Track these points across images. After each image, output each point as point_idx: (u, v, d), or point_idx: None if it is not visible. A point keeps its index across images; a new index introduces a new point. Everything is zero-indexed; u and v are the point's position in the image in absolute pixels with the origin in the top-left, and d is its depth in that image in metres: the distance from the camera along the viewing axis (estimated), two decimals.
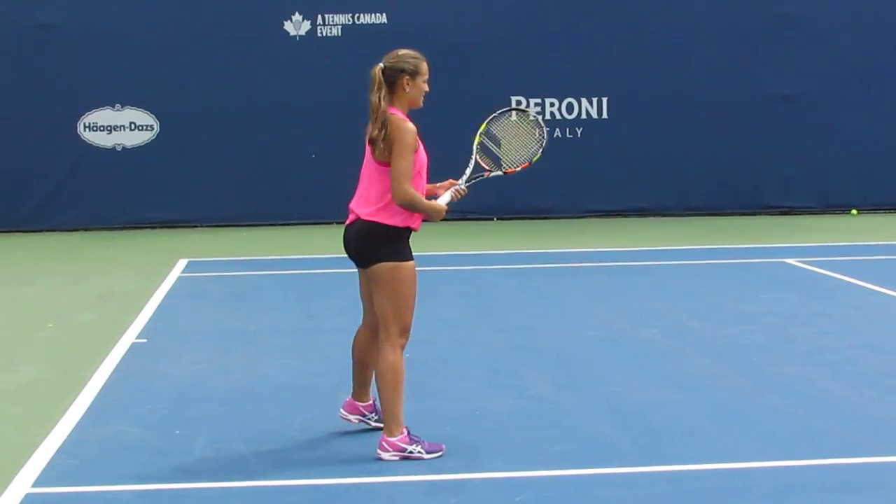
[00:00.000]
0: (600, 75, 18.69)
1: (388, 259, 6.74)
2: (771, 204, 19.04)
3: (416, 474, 6.59)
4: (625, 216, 18.77)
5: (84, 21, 18.11)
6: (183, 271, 14.03)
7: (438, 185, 7.11)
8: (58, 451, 7.09)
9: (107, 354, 9.61)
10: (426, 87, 6.87)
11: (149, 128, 18.36)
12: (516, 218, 18.55)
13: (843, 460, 6.77)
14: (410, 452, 6.77)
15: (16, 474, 6.63)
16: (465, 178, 7.15)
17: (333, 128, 18.29)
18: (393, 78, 6.76)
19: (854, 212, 19.08)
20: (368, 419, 7.33)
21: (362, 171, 6.94)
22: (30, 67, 18.10)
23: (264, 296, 12.45)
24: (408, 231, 6.84)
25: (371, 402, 7.35)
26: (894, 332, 10.23)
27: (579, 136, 18.73)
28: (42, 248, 16.68)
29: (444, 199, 7.02)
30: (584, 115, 18.79)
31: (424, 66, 6.85)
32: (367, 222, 6.77)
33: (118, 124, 18.32)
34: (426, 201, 6.82)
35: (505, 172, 7.37)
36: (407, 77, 6.77)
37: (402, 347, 6.83)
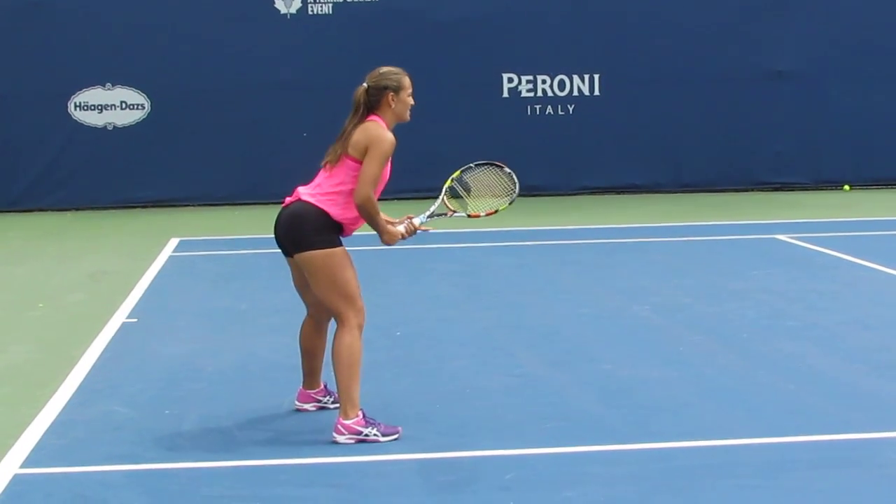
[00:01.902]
0: (592, 52, 18.65)
1: (319, 247, 6.75)
2: (763, 180, 19.03)
3: (405, 453, 6.58)
4: (617, 193, 18.75)
5: (75, 0, 18.03)
6: (174, 250, 14.01)
7: (396, 220, 7.10)
8: (46, 431, 7.08)
9: (97, 334, 9.60)
10: (411, 101, 6.95)
11: (140, 107, 18.30)
12: None
13: (832, 436, 6.78)
14: (366, 435, 6.76)
15: (4, 455, 6.62)
16: (424, 215, 7.15)
17: (325, 106, 18.18)
18: (378, 96, 6.85)
19: (847, 187, 19.08)
20: (325, 403, 7.39)
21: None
22: (20, 46, 18.03)
23: (255, 275, 12.42)
24: (339, 228, 6.85)
25: (322, 386, 7.40)
26: (885, 307, 10.23)
27: (571, 113, 18.69)
28: (33, 228, 16.64)
29: (398, 228, 7.04)
30: (576, 92, 18.75)
31: (407, 81, 6.93)
32: (306, 204, 6.80)
33: (109, 103, 18.26)
34: (380, 214, 6.85)
35: (468, 215, 7.33)
36: (391, 93, 6.86)
37: (360, 328, 6.85)
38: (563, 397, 7.62)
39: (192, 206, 18.32)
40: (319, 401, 7.40)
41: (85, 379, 8.28)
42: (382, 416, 6.98)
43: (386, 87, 6.85)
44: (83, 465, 6.53)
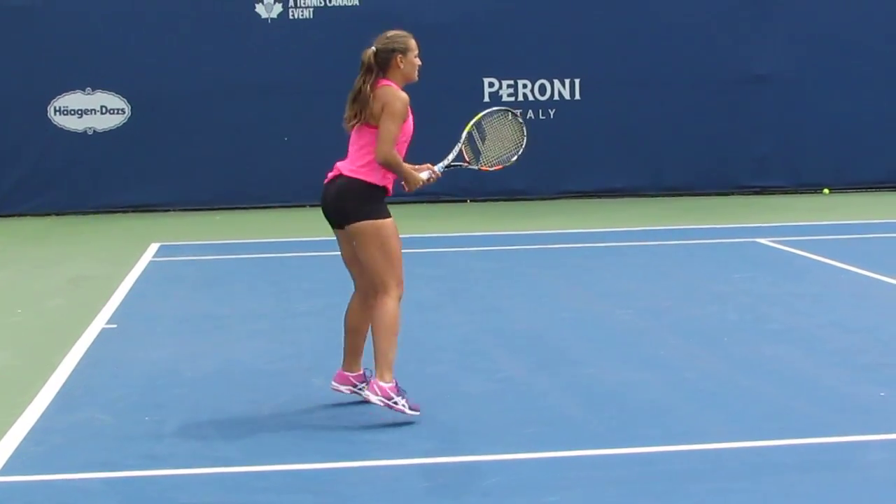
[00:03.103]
0: (572, 56, 18.65)
1: (370, 217, 7.12)
2: (744, 184, 19.06)
3: (386, 459, 6.57)
4: (599, 197, 18.75)
5: (55, 4, 17.97)
6: (155, 255, 13.95)
7: (416, 166, 7.41)
8: (25, 438, 7.03)
9: (76, 340, 9.54)
10: (418, 62, 7.28)
11: (120, 111, 18.24)
12: (490, 200, 18.51)
13: (813, 440, 6.78)
14: (395, 402, 7.07)
15: None
16: (444, 163, 7.56)
17: (306, 110, 18.22)
18: (386, 57, 7.20)
19: (826, 191, 19.12)
20: (359, 390, 7.46)
21: (351, 135, 7.36)
22: (0, 50, 17.97)
23: (237, 280, 12.39)
24: (383, 191, 7.23)
25: (361, 372, 7.52)
26: (865, 310, 10.25)
27: (552, 117, 18.69)
28: (13, 234, 16.56)
29: (421, 175, 7.40)
30: (556, 97, 18.75)
31: (413, 43, 7.29)
32: (348, 178, 7.20)
33: (89, 108, 18.19)
34: (405, 165, 7.23)
35: (480, 168, 7.77)
36: (399, 55, 7.21)
37: (399, 298, 7.22)
38: (544, 402, 7.61)
39: (173, 210, 18.27)
40: (355, 385, 7.50)
41: (64, 385, 8.23)
42: (362, 421, 7.03)
43: (393, 50, 7.21)
44: (62, 472, 6.49)
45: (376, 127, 7.15)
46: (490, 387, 7.97)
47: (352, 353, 7.51)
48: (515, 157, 7.88)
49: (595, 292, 11.27)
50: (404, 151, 7.30)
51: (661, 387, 7.91)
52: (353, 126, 7.29)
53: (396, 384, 7.13)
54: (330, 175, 7.34)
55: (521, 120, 7.96)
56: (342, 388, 7.50)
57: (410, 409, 7.10)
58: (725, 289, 11.26)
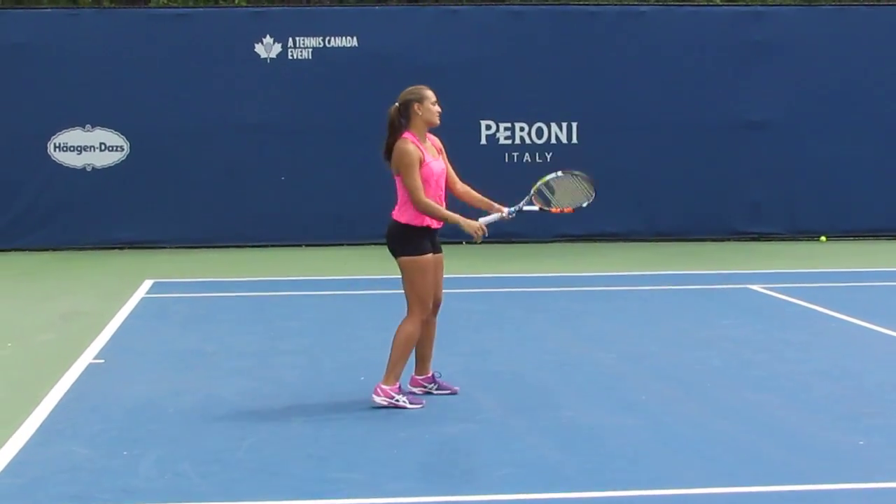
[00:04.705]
0: (570, 100, 18.76)
1: (407, 253, 8.33)
2: (739, 230, 19.12)
3: (357, 497, 6.58)
4: (593, 241, 18.81)
5: (55, 42, 18.14)
6: (148, 292, 14.02)
7: (496, 204, 8.69)
8: (3, 470, 7.08)
9: (62, 374, 9.59)
10: (437, 108, 8.44)
11: (119, 148, 18.35)
12: (484, 242, 18.34)
13: (786, 487, 6.78)
14: (397, 401, 8.32)
15: None
16: (515, 208, 8.68)
17: (303, 150, 18.36)
18: (407, 108, 8.36)
19: (823, 238, 19.16)
20: (429, 389, 8.75)
21: None
22: (0, 87, 18.09)
23: (226, 317, 12.43)
24: (424, 230, 8.35)
25: (430, 374, 8.78)
26: (852, 359, 10.25)
27: (549, 160, 18.74)
28: (9, 268, 16.64)
29: (484, 219, 8.52)
30: (553, 140, 18.85)
31: (428, 92, 8.43)
32: (394, 221, 8.40)
33: (88, 145, 18.31)
34: (443, 210, 8.32)
35: (552, 210, 8.87)
36: (416, 103, 8.35)
37: (420, 320, 8.39)
38: (520, 444, 7.62)
39: (169, 247, 18.35)
40: (425, 386, 8.76)
41: (46, 419, 8.27)
42: (338, 459, 7.04)
43: (410, 100, 8.35)
44: None
45: (397, 176, 8.31)
46: (466, 427, 7.99)
47: (420, 360, 8.74)
48: (587, 203, 8.91)
49: (580, 335, 11.30)
50: (433, 192, 8.32)
51: (638, 430, 7.92)
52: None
53: (399, 387, 8.35)
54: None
55: (588, 177, 8.94)
56: (414, 389, 8.70)
57: (411, 403, 8.33)
58: (712, 334, 11.28)
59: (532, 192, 8.77)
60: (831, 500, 6.64)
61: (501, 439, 7.72)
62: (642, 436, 7.80)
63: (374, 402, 8.35)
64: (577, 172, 8.94)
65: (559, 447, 7.54)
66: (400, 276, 8.49)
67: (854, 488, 6.80)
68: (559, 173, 8.86)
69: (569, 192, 8.85)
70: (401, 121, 8.34)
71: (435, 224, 8.39)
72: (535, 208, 8.77)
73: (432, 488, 6.75)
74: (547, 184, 8.81)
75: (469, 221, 8.37)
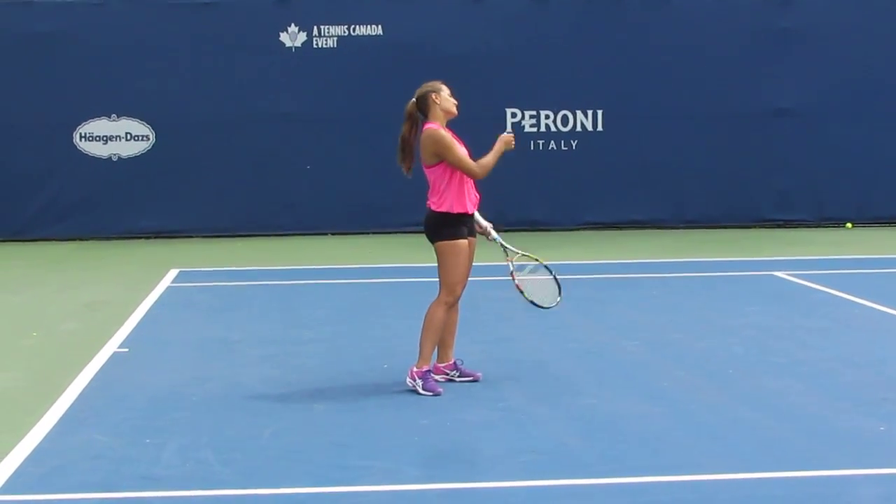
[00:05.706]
0: (596, 87, 18.72)
1: (443, 238, 8.54)
2: (766, 217, 19.06)
3: (377, 484, 6.60)
4: (620, 229, 18.78)
5: (81, 31, 18.20)
6: (173, 281, 14.07)
7: (486, 224, 8.93)
8: (26, 458, 7.12)
9: (87, 363, 9.64)
10: (453, 100, 8.60)
11: (144, 138, 18.42)
12: (511, 230, 18.37)
13: (807, 473, 6.77)
14: (416, 384, 8.50)
15: None
16: (500, 239, 9.06)
17: (329, 139, 18.39)
18: (425, 101, 8.57)
19: (849, 225, 19.08)
20: (451, 376, 8.85)
21: None
22: (27, 77, 18.20)
23: (250, 306, 12.48)
24: (462, 216, 8.55)
25: (451, 361, 8.88)
26: (875, 345, 10.21)
27: (574, 148, 18.75)
28: (35, 258, 16.73)
29: (480, 219, 8.86)
30: (579, 128, 18.82)
31: (442, 86, 8.63)
32: (431, 211, 8.57)
33: (114, 134, 18.39)
34: (490, 157, 8.58)
35: (511, 276, 9.07)
36: (433, 94, 8.56)
37: (448, 304, 8.63)
38: (542, 431, 7.63)
39: (195, 237, 18.41)
40: (447, 374, 8.86)
41: (70, 407, 8.32)
42: (360, 447, 7.08)
43: (427, 91, 8.57)
44: (59, 492, 6.56)
45: (433, 166, 8.48)
46: (489, 415, 8.00)
47: (441, 347, 8.84)
48: (544, 304, 9.18)
49: (604, 323, 11.29)
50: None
51: (660, 418, 7.92)
52: (405, 167, 8.64)
53: (425, 371, 8.50)
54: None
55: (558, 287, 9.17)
56: (437, 377, 8.74)
57: (424, 389, 8.46)
58: (736, 322, 11.25)
59: (517, 254, 9.08)
60: (852, 485, 6.61)
61: (523, 427, 7.72)
62: (664, 423, 7.80)
63: (407, 382, 8.59)
64: (555, 275, 9.21)
65: (580, 434, 7.54)
66: (433, 264, 8.70)
67: (872, 473, 6.77)
68: (541, 264, 9.21)
69: (538, 285, 9.19)
70: (419, 115, 8.56)
71: (471, 209, 8.61)
72: (506, 256, 9.07)
73: (454, 475, 6.77)
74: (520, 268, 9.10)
75: (501, 140, 8.70)
